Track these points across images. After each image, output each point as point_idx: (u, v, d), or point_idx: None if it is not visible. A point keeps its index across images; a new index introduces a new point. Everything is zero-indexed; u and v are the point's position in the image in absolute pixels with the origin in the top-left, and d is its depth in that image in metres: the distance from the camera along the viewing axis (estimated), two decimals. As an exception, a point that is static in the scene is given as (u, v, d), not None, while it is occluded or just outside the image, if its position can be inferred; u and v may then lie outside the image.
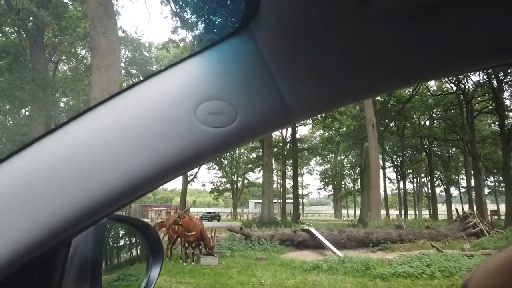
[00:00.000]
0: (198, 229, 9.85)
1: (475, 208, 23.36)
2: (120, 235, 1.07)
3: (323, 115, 30.85)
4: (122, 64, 26.93)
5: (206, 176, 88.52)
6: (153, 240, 0.95)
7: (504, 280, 0.60)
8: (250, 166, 39.14)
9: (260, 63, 0.54)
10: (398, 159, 35.48)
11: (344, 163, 40.72)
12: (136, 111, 0.53)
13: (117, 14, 24.41)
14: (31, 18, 20.42)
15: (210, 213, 39.27)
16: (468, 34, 0.50)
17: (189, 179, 34.59)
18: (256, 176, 40.38)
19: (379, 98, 27.01)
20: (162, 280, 7.47)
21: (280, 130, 32.91)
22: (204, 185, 43.89)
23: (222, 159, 38.74)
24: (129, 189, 0.51)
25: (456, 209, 18.25)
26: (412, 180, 41.04)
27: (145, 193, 0.55)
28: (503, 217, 23.87)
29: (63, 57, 30.06)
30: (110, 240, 1.03)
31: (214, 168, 40.04)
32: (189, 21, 19.38)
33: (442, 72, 0.59)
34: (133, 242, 1.11)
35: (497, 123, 26.88)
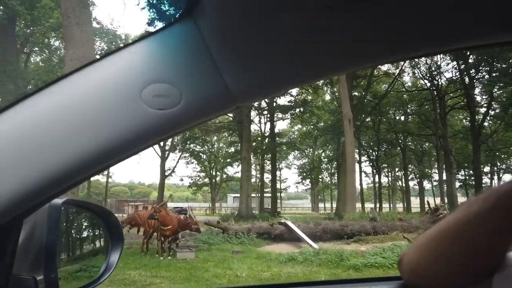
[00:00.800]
0: (174, 223, 9.82)
1: (446, 200, 24.22)
2: (80, 221, 1.07)
3: (301, 109, 31.12)
4: (97, 56, 26.27)
5: (184, 171, 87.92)
6: (113, 226, 0.96)
7: (427, 253, 0.67)
8: (228, 160, 39.08)
9: (203, 49, 0.55)
10: (373, 153, 36.25)
11: (322, 157, 41.27)
12: (83, 93, 0.55)
13: (92, 5, 23.81)
14: (1, 7, 19.63)
15: (177, 207, 38.42)
16: (395, 25, 0.54)
17: (166, 174, 34.27)
18: (234, 170, 40.38)
19: (356, 93, 27.47)
20: (137, 274, 7.44)
21: (257, 124, 32.70)
22: (182, 180, 43.59)
23: (200, 154, 38.55)
24: (74, 170, 0.53)
25: (428, 202, 18.84)
26: (387, 174, 42.06)
27: (91, 174, 0.56)
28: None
29: (36, 48, 29.08)
30: (70, 228, 1.03)
31: (193, 163, 39.80)
32: (167, 13, 19.09)
33: (373, 60, 0.62)
34: (95, 231, 1.11)
35: (468, 118, 27.84)
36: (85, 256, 1.07)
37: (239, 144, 29.93)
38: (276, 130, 34.63)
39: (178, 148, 35.52)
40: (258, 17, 0.51)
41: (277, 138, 34.39)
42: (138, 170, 66.01)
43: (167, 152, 33.79)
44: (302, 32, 0.54)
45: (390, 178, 42.14)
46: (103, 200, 38.36)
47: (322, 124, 32.41)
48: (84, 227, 1.12)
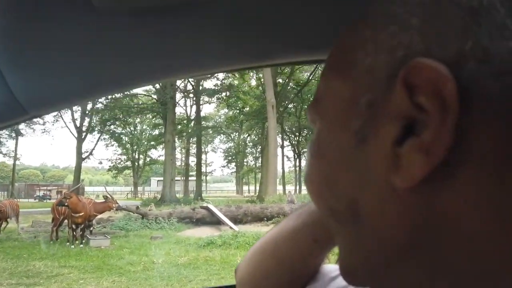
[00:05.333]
0: (87, 210, 9.33)
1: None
2: None
3: (227, 93, 31.16)
4: None
5: (104, 153, 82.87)
6: None
7: (250, 265, 0.67)
8: (152, 143, 37.81)
9: None
10: (295, 138, 37.83)
11: (247, 142, 41.97)
12: None
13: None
14: None
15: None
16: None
17: (83, 156, 32.13)
18: (159, 153, 39.23)
19: (279, 80, 28.24)
20: (42, 265, 6.96)
21: (183, 107, 31.98)
22: (101, 163, 41.18)
23: (121, 136, 36.73)
24: None
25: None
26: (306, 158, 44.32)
27: None
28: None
29: None
30: None
31: (113, 145, 37.78)
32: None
33: (157, 76, 0.60)
34: None
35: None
36: None
37: (163, 127, 29.10)
38: (202, 114, 34.32)
39: (96, 129, 33.40)
40: (45, 18, 0.45)
41: (203, 122, 34.10)
42: (51, 152, 60.74)
43: (84, 134, 31.61)
44: (93, 43, 0.49)
45: (310, 162, 44.47)
46: (10, 184, 34.83)
47: (247, 109, 32.83)
48: None
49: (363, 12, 0.31)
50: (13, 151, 33.58)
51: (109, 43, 0.50)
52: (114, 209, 10.43)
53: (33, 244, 9.14)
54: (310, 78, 29.23)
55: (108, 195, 10.42)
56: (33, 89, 0.53)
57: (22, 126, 28.60)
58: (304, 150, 40.40)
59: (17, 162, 39.08)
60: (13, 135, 30.68)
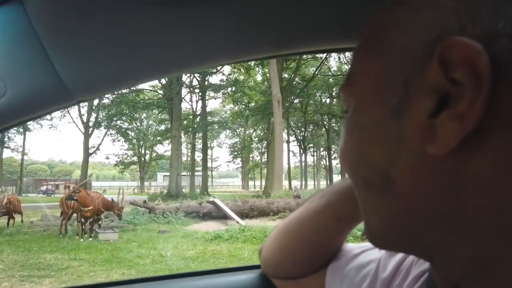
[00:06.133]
0: (95, 204, 9.43)
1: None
2: None
3: (233, 89, 31.14)
4: None
5: (110, 149, 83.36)
6: None
7: (276, 245, 0.71)
8: (158, 138, 37.98)
9: (31, 36, 0.48)
10: (301, 133, 37.78)
11: (253, 137, 41.97)
12: None
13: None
14: None
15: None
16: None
17: (90, 151, 32.37)
18: (165, 149, 39.40)
19: (285, 75, 28.15)
20: (53, 258, 7.07)
21: (188, 102, 32.06)
22: (108, 158, 41.47)
23: (128, 131, 36.92)
24: None
25: (348, 180, 20.29)
26: (312, 154, 44.25)
27: None
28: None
29: None
30: None
31: (119, 140, 38.00)
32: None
33: (220, 59, 0.62)
34: None
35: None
36: None
37: (170, 122, 29.19)
38: (208, 109, 34.36)
39: (103, 124, 33.59)
40: (93, 5, 0.47)
41: (209, 117, 34.14)
42: (58, 148, 61.21)
43: (91, 129, 31.81)
44: (143, 27, 0.51)
45: (315, 157, 44.46)
46: (18, 179, 35.19)
47: (253, 104, 32.80)
48: None
49: None
50: (21, 146, 33.90)
51: (145, 33, 0.53)
52: (115, 214, 10.55)
53: (43, 238, 9.27)
54: (316, 73, 29.13)
55: (118, 200, 10.47)
56: (79, 74, 0.54)
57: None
58: (310, 145, 40.37)
59: (25, 157, 39.45)
60: (21, 130, 30.96)
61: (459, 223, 0.27)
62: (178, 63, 0.60)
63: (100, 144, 33.66)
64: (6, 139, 31.06)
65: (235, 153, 44.30)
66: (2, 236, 9.28)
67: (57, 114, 30.64)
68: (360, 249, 0.61)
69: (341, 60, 31.99)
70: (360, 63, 0.35)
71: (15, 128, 30.15)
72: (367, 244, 0.58)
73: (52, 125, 32.59)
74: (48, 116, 28.84)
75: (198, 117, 32.69)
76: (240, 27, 0.55)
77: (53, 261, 6.89)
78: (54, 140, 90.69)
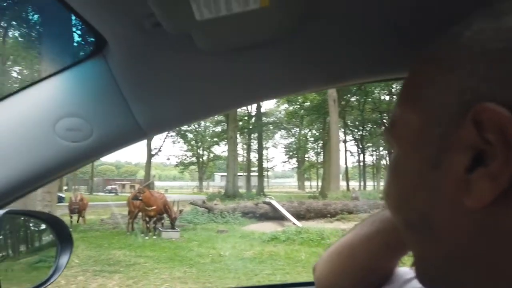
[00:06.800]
0: (158, 204, 9.93)
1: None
2: (26, 229, 1.09)
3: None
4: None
5: (171, 150, 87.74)
6: (60, 228, 0.98)
7: (328, 265, 0.72)
8: (215, 139, 39.04)
9: (112, 84, 0.59)
10: (358, 133, 36.65)
11: (308, 137, 41.55)
12: None
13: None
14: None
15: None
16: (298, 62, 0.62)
17: (153, 153, 34.14)
18: (221, 149, 40.42)
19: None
20: (121, 254, 7.57)
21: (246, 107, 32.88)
22: (169, 159, 43.55)
23: (187, 133, 38.41)
24: None
25: (409, 181, 19.31)
26: (371, 153, 42.72)
27: (10, 201, 0.60)
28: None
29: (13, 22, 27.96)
30: (15, 236, 1.05)
31: (179, 142, 39.66)
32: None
33: (275, 93, 0.69)
34: (43, 237, 1.13)
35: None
36: (44, 248, 1.11)
37: (226, 124, 29.86)
38: (263, 110, 34.63)
39: (164, 127, 35.22)
40: (163, 56, 0.56)
41: (264, 118, 34.42)
42: (124, 149, 65.27)
43: (153, 131, 33.50)
44: (198, 73, 0.59)
45: (374, 157, 42.87)
46: (90, 179, 38.04)
47: (308, 103, 32.48)
48: (30, 233, 1.14)
49: (428, 52, 0.35)
50: (92, 148, 36.55)
51: (206, 75, 0.61)
52: (173, 216, 10.79)
53: (112, 235, 9.97)
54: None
55: (173, 211, 10.75)
56: (151, 115, 0.63)
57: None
58: (369, 144, 39.01)
59: (96, 159, 42.50)
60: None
61: (489, 267, 0.29)
62: (235, 101, 0.68)
63: (161, 145, 35.50)
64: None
65: (291, 153, 44.13)
66: (77, 232, 10.10)
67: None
68: (412, 274, 0.61)
69: (401, 55, 30.58)
70: (401, 111, 0.37)
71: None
72: None
73: (118, 128, 34.75)
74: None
75: (253, 118, 33.09)
76: (298, 65, 0.62)
77: (122, 257, 7.38)
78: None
